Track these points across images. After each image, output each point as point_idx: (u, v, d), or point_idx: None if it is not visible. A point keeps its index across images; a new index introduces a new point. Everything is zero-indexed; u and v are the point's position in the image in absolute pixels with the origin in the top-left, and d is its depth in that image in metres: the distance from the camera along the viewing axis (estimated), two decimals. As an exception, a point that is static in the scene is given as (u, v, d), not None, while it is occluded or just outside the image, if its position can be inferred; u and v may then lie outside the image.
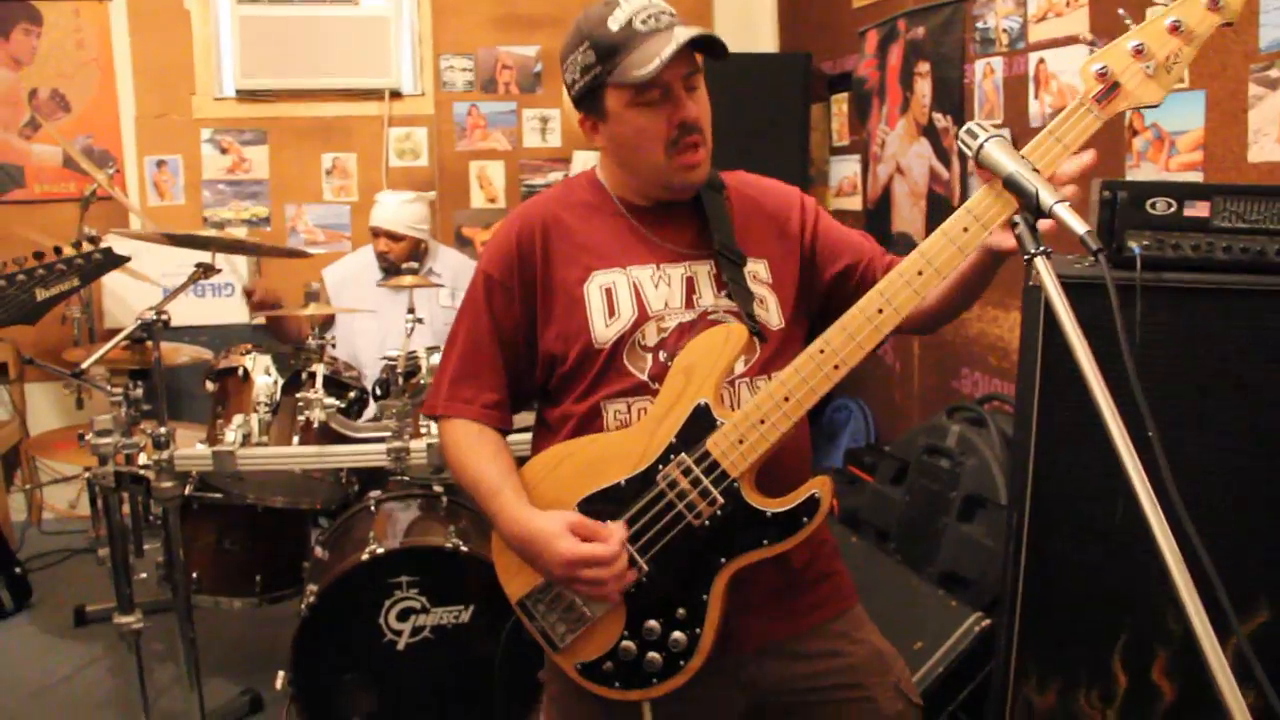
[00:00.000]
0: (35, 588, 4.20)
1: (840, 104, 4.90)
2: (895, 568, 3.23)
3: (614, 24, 1.55)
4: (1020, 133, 3.57)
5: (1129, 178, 3.07)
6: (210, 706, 3.13)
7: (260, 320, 4.52)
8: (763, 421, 1.50)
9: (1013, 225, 1.25)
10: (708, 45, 1.57)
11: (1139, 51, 1.36)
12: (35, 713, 3.35)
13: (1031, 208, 1.24)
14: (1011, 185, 1.27)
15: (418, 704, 2.82)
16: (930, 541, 3.36)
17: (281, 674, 2.78)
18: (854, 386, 4.81)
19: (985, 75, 3.75)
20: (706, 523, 1.54)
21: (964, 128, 1.38)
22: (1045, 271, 1.19)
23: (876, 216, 4.55)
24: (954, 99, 3.94)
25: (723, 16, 5.48)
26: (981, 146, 1.34)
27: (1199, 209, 2.04)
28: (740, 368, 1.63)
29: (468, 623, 2.80)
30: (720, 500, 1.53)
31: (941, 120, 4.03)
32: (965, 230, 1.41)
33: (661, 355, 1.61)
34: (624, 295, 1.63)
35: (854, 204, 4.80)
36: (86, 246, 2.23)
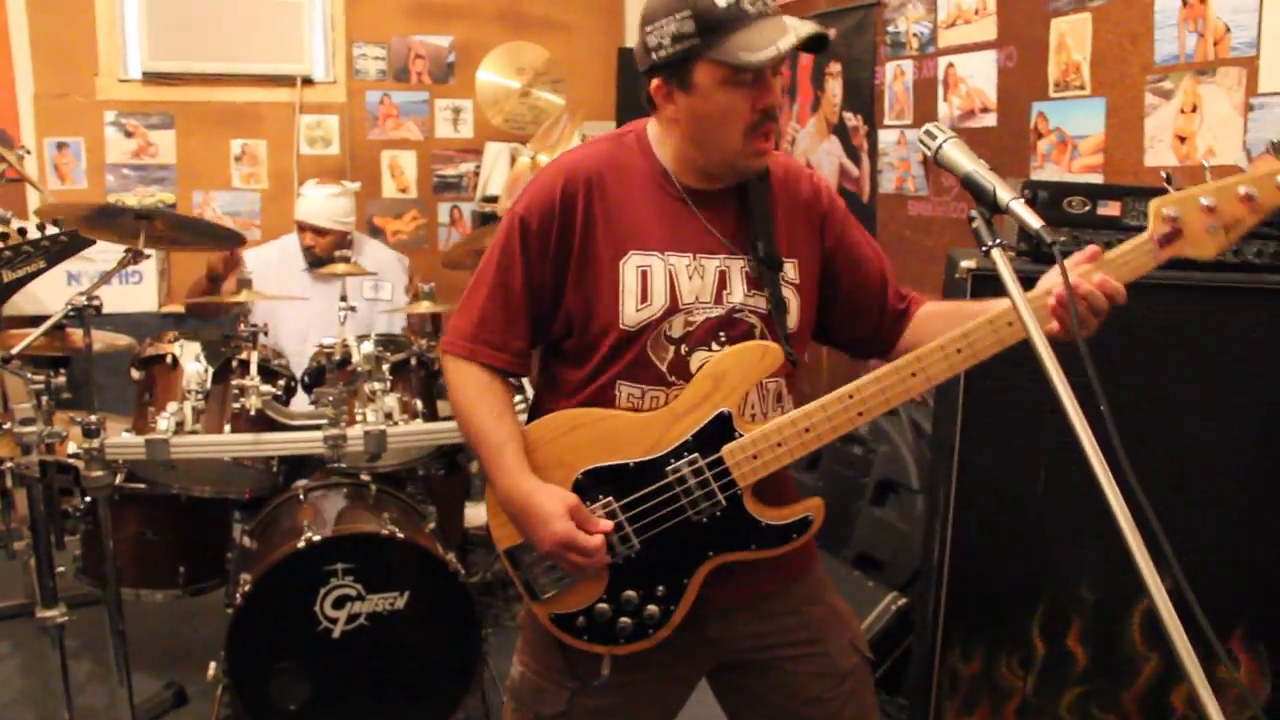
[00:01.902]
0: (-73, 586, 4.04)
1: (752, 101, 5.03)
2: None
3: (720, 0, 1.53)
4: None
5: (1033, 177, 3.26)
6: (134, 701, 3.07)
7: (177, 308, 4.45)
8: (780, 445, 1.60)
9: (970, 219, 1.35)
10: (822, 43, 1.57)
11: (1210, 210, 1.47)
12: (-58, 714, 3.24)
13: (989, 203, 1.34)
14: (969, 183, 1.38)
15: (353, 691, 2.82)
16: (845, 525, 3.51)
17: (214, 665, 2.75)
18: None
19: (896, 77, 3.91)
20: (704, 519, 1.63)
21: (923, 129, 1.48)
22: (1001, 261, 1.30)
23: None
24: (865, 99, 4.09)
25: (634, 9, 5.56)
26: (940, 146, 1.44)
27: (1111, 208, 2.21)
28: None
29: (403, 609, 2.81)
30: (723, 504, 1.62)
31: (852, 119, 4.19)
32: (1010, 324, 1.51)
33: (683, 349, 1.64)
34: (659, 282, 1.63)
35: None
36: (50, 229, 2.18)
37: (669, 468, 1.62)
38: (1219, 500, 2.24)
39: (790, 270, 1.71)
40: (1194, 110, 2.75)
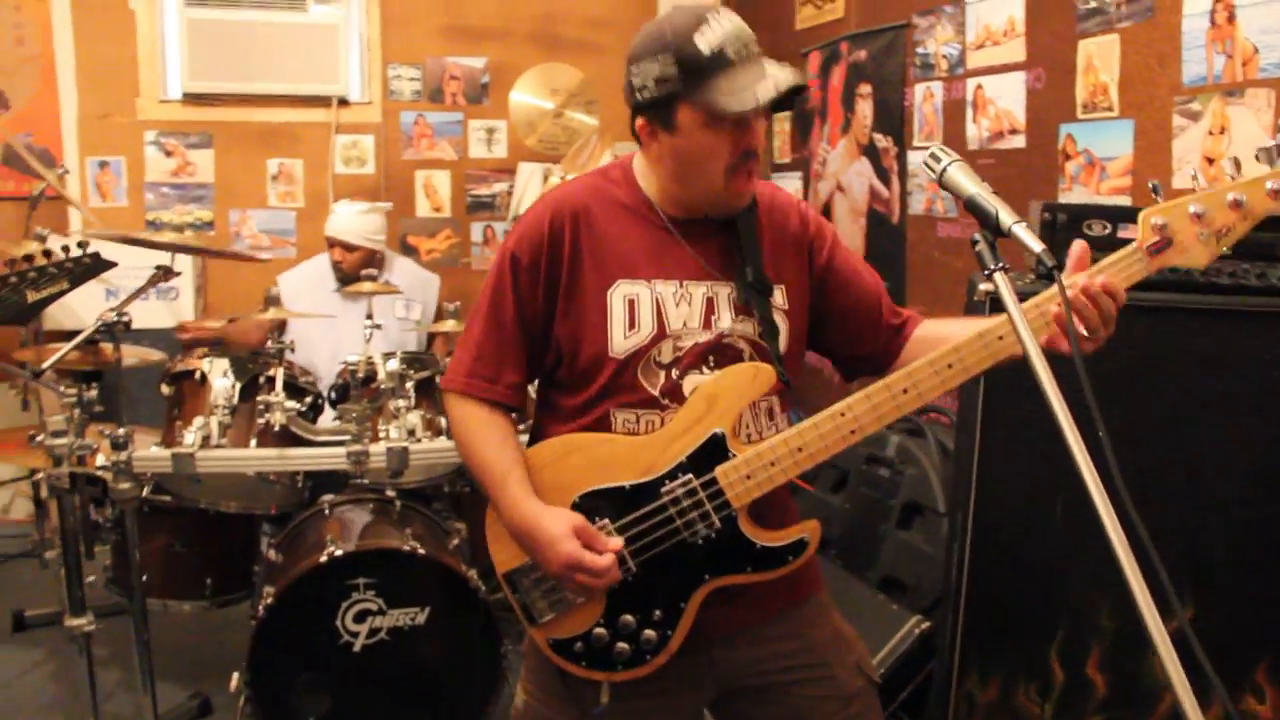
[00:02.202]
0: (-31, 594, 4.13)
1: (782, 122, 5.04)
2: (837, 573, 3.33)
3: (704, 44, 1.55)
4: (959, 154, 3.72)
5: (1062, 199, 3.24)
6: (158, 710, 3.12)
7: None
8: (773, 464, 1.60)
9: (973, 243, 1.36)
10: (799, 92, 1.59)
11: (1199, 217, 1.47)
12: (-26, 719, 3.31)
13: (991, 227, 1.35)
14: (972, 207, 1.38)
15: (373, 705, 2.85)
16: (870, 548, 3.48)
17: (236, 675, 2.79)
18: (796, 398, 4.93)
19: (925, 99, 3.90)
20: (699, 542, 1.64)
21: (928, 152, 1.49)
22: (1004, 285, 1.30)
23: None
24: (894, 121, 4.09)
25: (668, 33, 5.58)
26: (945, 169, 1.44)
27: (1132, 231, 2.18)
28: None
29: (424, 625, 2.83)
30: (718, 525, 1.63)
31: (882, 140, 4.18)
32: (1000, 339, 1.52)
33: (674, 373, 1.66)
34: (646, 309, 1.66)
35: (795, 220, 4.93)
36: (75, 251, 2.25)
37: (664, 489, 1.63)
38: (1241, 530, 2.21)
39: (779, 296, 1.73)
40: (1222, 131, 2.72)
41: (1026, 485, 2.26)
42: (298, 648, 2.80)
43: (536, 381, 1.82)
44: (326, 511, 3.11)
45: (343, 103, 5.22)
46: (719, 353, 1.68)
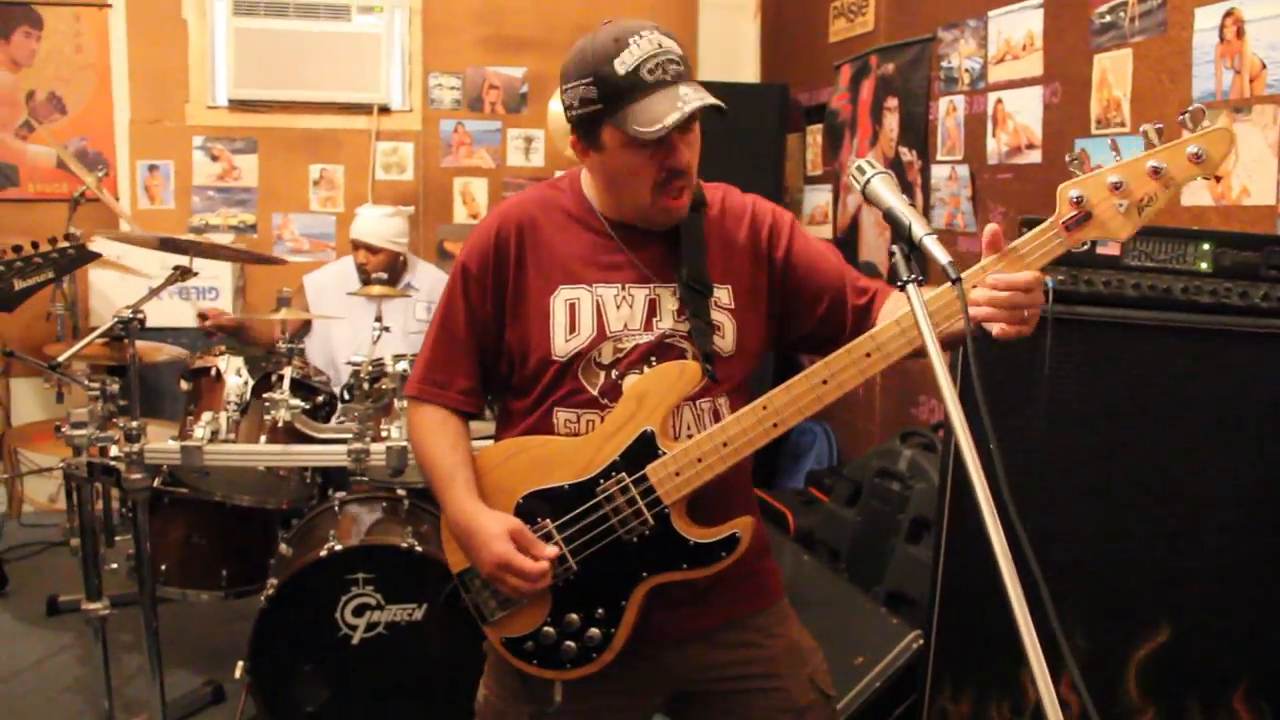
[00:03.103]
0: (11, 578, 4.29)
1: (815, 135, 5.05)
2: (844, 586, 3.33)
3: (621, 66, 1.57)
4: (978, 168, 3.71)
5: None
6: (173, 696, 3.22)
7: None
8: (700, 460, 1.63)
9: (890, 255, 1.37)
10: (713, 112, 1.60)
11: (1116, 187, 1.40)
12: (4, 696, 3.44)
13: (905, 238, 1.36)
14: (889, 218, 1.40)
15: (371, 697, 2.91)
16: (879, 561, 3.47)
17: (241, 664, 2.87)
18: (820, 410, 4.92)
19: (948, 112, 3.89)
20: (635, 539, 1.66)
21: (854, 164, 1.50)
22: (915, 297, 1.31)
23: (845, 245, 4.69)
24: (919, 134, 4.08)
25: (707, 47, 5.63)
26: (869, 181, 1.46)
27: (1111, 247, 2.17)
28: None
29: (421, 620, 2.89)
30: (650, 522, 1.65)
31: (907, 154, 4.17)
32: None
33: (614, 374, 1.70)
34: (586, 313, 1.70)
35: (825, 232, 4.93)
36: (61, 242, 2.36)
37: (599, 488, 1.66)
38: (1221, 554, 2.18)
39: (724, 296, 1.75)
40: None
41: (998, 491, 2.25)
42: (298, 639, 2.87)
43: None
44: (337, 508, 3.19)
45: (384, 110, 5.35)
46: (661, 352, 1.70)
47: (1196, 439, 2.16)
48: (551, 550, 1.66)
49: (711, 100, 1.59)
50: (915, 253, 1.38)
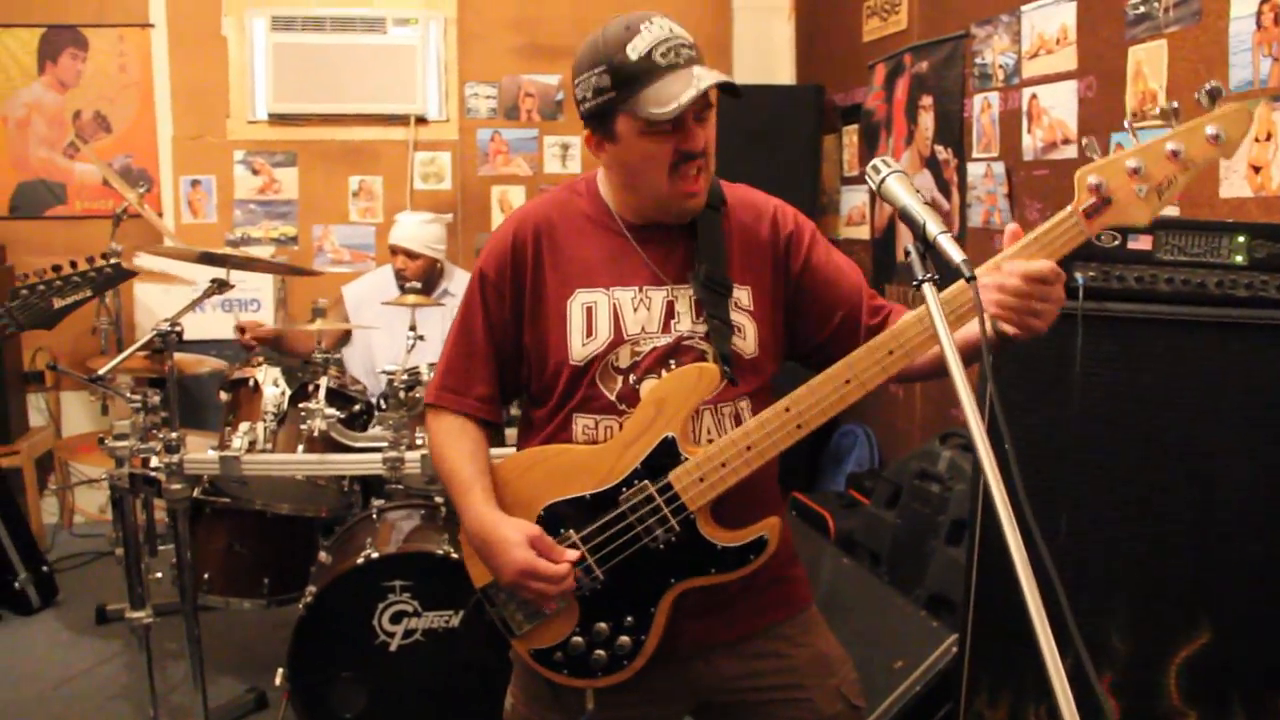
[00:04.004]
0: (61, 587, 4.39)
1: (851, 135, 5.01)
2: (883, 589, 3.30)
3: (633, 52, 1.57)
4: (1014, 165, 3.66)
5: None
6: (217, 703, 3.28)
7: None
8: (724, 465, 1.61)
9: (905, 254, 1.35)
10: (725, 90, 1.60)
11: (1135, 172, 1.38)
12: (55, 703, 3.52)
13: (920, 237, 1.34)
14: (904, 217, 1.38)
15: (408, 705, 2.93)
16: (919, 564, 3.43)
17: (281, 671, 2.91)
18: (859, 412, 4.89)
19: (983, 109, 3.84)
20: (661, 546, 1.65)
21: (870, 163, 1.49)
22: (931, 297, 1.29)
23: (882, 246, 4.65)
24: (954, 132, 4.03)
25: (742, 48, 5.62)
26: (884, 180, 1.44)
27: (1143, 242, 2.13)
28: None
29: (458, 627, 2.91)
30: (676, 529, 1.64)
31: (943, 152, 4.13)
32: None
33: (632, 379, 1.69)
34: (603, 316, 1.69)
35: (862, 233, 4.90)
36: (99, 261, 2.42)
37: (622, 496, 1.65)
38: (1261, 552, 2.12)
39: (743, 297, 1.73)
40: (1268, 138, 2.62)
41: (1034, 501, 2.21)
42: (336, 646, 2.90)
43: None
44: (375, 516, 3.22)
45: (421, 121, 5.40)
46: (679, 355, 1.69)
47: (1234, 435, 2.11)
48: (573, 554, 1.65)
49: (725, 78, 1.58)
50: (931, 252, 1.36)
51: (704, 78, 1.57)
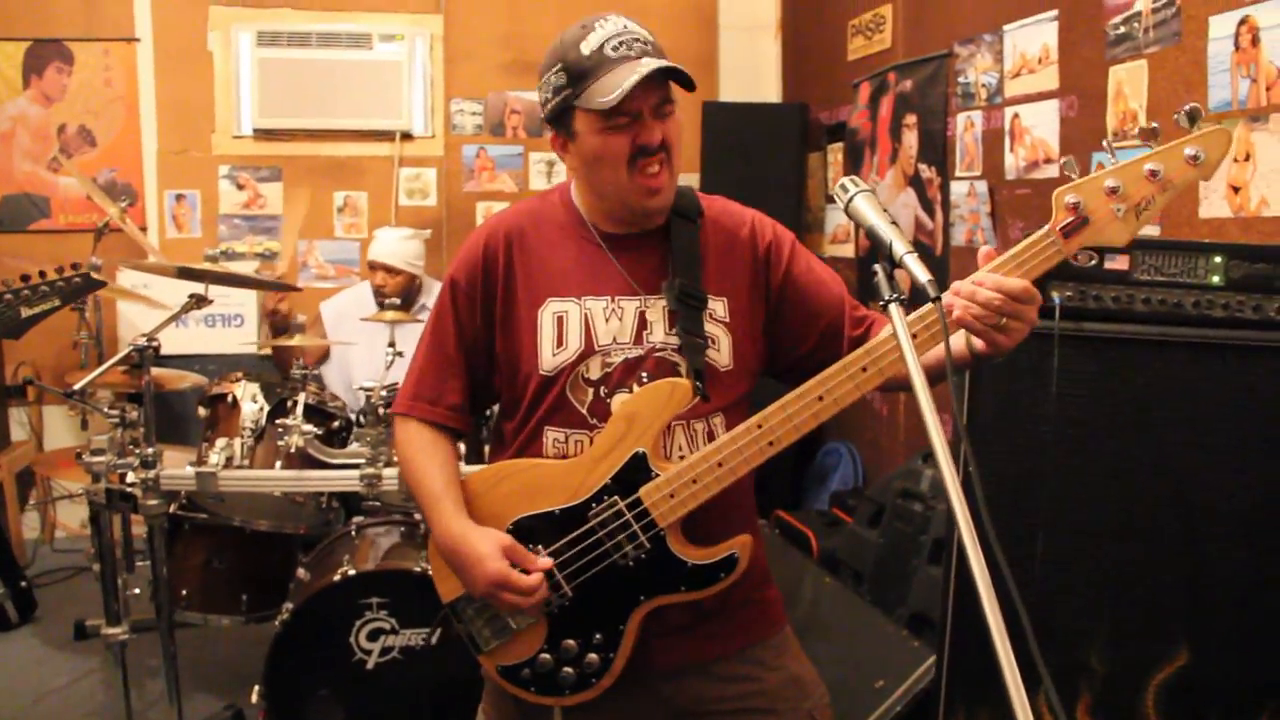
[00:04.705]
0: (40, 602, 4.35)
1: (835, 153, 5.03)
2: (865, 609, 3.28)
3: (586, 48, 1.57)
4: (997, 184, 3.67)
5: (1094, 230, 3.16)
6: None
7: (268, 351, 4.71)
8: (695, 481, 1.59)
9: (872, 274, 1.35)
10: (673, 76, 1.59)
11: (1113, 192, 1.37)
12: (31, 719, 3.48)
13: (887, 256, 1.34)
14: (871, 236, 1.38)
15: (386, 722, 2.91)
16: (901, 583, 3.42)
17: (257, 688, 2.88)
18: (843, 430, 4.89)
19: (966, 128, 3.86)
20: (630, 563, 1.63)
21: (839, 182, 1.48)
22: (897, 317, 1.29)
23: (867, 264, 4.66)
24: (938, 150, 4.05)
25: (728, 66, 5.63)
26: (852, 199, 1.44)
27: (1120, 262, 2.13)
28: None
29: (435, 644, 2.89)
30: (646, 545, 1.62)
31: (926, 171, 4.14)
32: (912, 337, 1.44)
33: (603, 391, 1.67)
34: (574, 326, 1.67)
35: (847, 251, 4.90)
36: (68, 271, 2.41)
37: (591, 512, 1.63)
38: (1240, 573, 2.11)
39: (719, 308, 1.71)
40: (1247, 159, 2.63)
41: (1012, 522, 2.21)
42: (312, 663, 2.88)
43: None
44: (354, 533, 3.20)
45: (406, 137, 5.40)
46: (651, 367, 1.67)
47: (1211, 456, 2.11)
48: (546, 562, 1.63)
49: (671, 64, 1.57)
50: (898, 271, 1.35)
51: (651, 65, 1.56)
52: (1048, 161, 3.41)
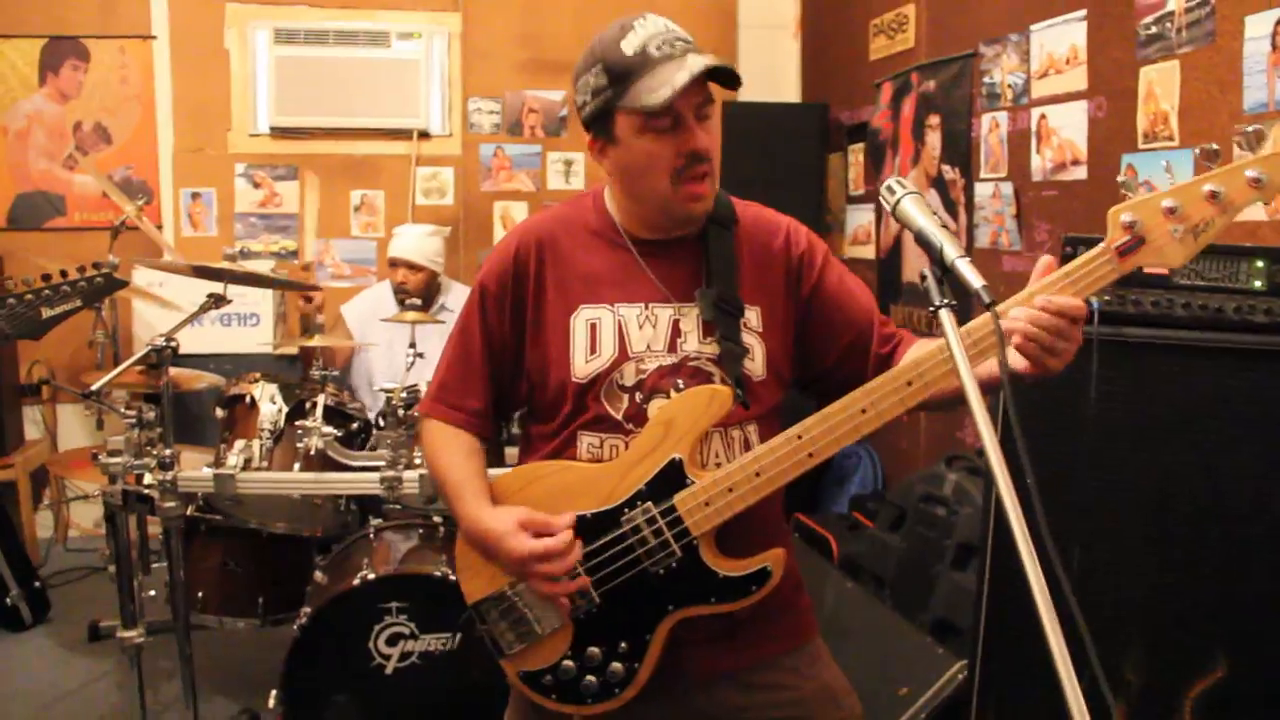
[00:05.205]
0: (54, 603, 4.33)
1: (857, 154, 4.98)
2: (888, 614, 3.25)
3: (628, 47, 1.53)
4: (1023, 185, 3.63)
5: (1123, 233, 3.11)
6: (207, 724, 3.22)
7: (284, 351, 4.68)
8: (731, 490, 1.56)
9: (921, 278, 1.31)
10: (722, 75, 1.55)
11: (1171, 212, 1.34)
12: (43, 723, 3.47)
13: (937, 261, 1.30)
14: (920, 240, 1.34)
15: (405, 728, 2.88)
16: (924, 588, 3.38)
17: (274, 693, 2.85)
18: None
19: (991, 129, 3.81)
20: (661, 571, 1.60)
21: (884, 184, 1.44)
22: (948, 324, 1.25)
23: (888, 265, 4.61)
24: (962, 151, 4.00)
25: (747, 66, 5.58)
26: (899, 201, 1.40)
27: (1159, 267, 2.08)
28: None
29: (455, 650, 2.86)
30: (678, 554, 1.59)
31: (949, 172, 4.09)
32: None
33: (638, 396, 1.64)
34: (607, 333, 1.65)
35: (868, 252, 4.86)
36: (89, 271, 2.38)
37: (624, 518, 1.60)
38: (1277, 590, 2.07)
39: (753, 317, 1.68)
40: (1284, 162, 2.58)
41: (1048, 527, 2.16)
42: (331, 668, 2.85)
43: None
44: (372, 536, 3.17)
45: (423, 135, 5.37)
46: (686, 374, 1.64)
47: (1252, 464, 2.06)
48: (567, 518, 1.60)
49: (720, 61, 1.53)
50: (948, 276, 1.32)
51: (698, 63, 1.52)
52: (1075, 163, 3.36)
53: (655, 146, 1.56)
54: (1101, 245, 1.39)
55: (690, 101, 1.54)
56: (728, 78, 1.55)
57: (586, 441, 1.66)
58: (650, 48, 1.53)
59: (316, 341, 3.34)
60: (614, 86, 1.55)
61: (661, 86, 1.50)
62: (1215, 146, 1.35)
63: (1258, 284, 2.05)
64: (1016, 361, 1.42)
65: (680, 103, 1.52)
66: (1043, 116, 3.51)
